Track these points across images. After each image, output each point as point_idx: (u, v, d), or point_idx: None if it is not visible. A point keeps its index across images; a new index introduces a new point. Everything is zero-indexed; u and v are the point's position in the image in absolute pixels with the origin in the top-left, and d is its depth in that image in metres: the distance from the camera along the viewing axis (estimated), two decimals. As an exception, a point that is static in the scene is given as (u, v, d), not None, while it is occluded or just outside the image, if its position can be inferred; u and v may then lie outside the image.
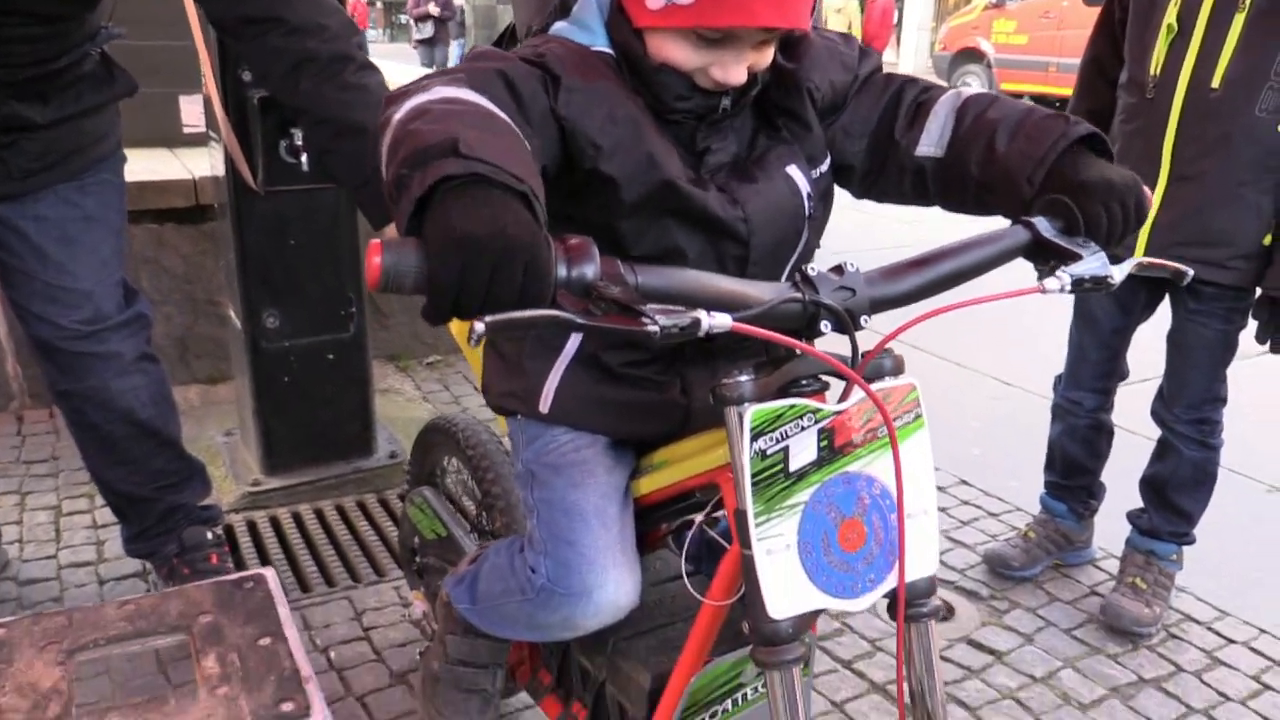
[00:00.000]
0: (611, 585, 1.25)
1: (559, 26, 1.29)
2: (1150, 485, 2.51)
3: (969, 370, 4.14)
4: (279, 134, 2.63)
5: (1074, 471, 2.63)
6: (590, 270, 0.91)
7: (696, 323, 0.92)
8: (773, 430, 1.07)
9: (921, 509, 1.14)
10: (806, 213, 1.32)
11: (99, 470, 2.26)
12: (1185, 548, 2.54)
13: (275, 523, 2.82)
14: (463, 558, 1.80)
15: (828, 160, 1.36)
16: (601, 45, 1.26)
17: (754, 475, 1.06)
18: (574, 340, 1.34)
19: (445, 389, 3.70)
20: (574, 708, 1.52)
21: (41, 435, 3.23)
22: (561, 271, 0.90)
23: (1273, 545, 2.89)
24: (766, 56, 1.22)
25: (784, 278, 1.33)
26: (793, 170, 1.31)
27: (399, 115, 0.99)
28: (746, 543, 1.07)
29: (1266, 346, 2.24)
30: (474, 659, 1.52)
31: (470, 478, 1.99)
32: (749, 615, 1.09)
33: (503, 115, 1.02)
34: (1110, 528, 2.69)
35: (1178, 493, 2.46)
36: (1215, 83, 2.12)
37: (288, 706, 1.16)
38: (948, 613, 2.48)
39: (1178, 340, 2.38)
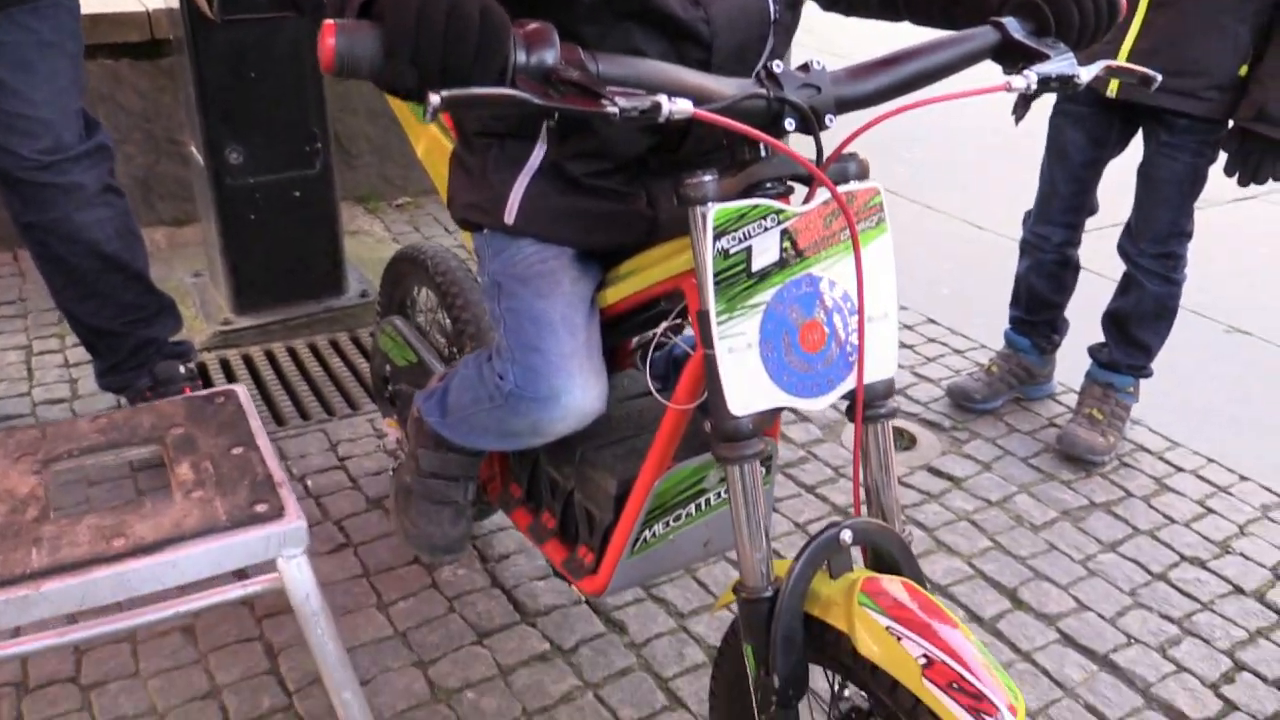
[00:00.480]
0: (578, 390, 1.28)
1: None
2: (1112, 319, 2.55)
3: (940, 213, 4.13)
4: (232, -44, 2.53)
5: (1039, 306, 2.67)
6: (550, 55, 0.89)
7: (657, 106, 0.91)
8: (736, 230, 1.07)
9: (882, 312, 1.16)
10: (772, 16, 1.29)
11: (68, 304, 2.25)
12: (1142, 381, 2.61)
13: (248, 360, 2.82)
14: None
15: None
16: None
17: (716, 274, 1.07)
18: (538, 151, 1.32)
19: (415, 230, 3.66)
20: (543, 517, 1.57)
21: (7, 278, 3.19)
22: (520, 56, 0.88)
23: (1227, 382, 2.97)
24: None
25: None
26: None
27: None
28: (709, 342, 1.08)
29: (1235, 180, 2.24)
30: (445, 472, 1.56)
31: (440, 305, 2.00)
32: (711, 412, 1.11)
33: None
34: (1071, 364, 2.74)
35: (1139, 326, 2.50)
36: None
37: (261, 508, 1.19)
38: (910, 442, 2.55)
39: (1147, 173, 2.38)
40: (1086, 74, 1.13)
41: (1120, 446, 2.58)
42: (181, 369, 2.39)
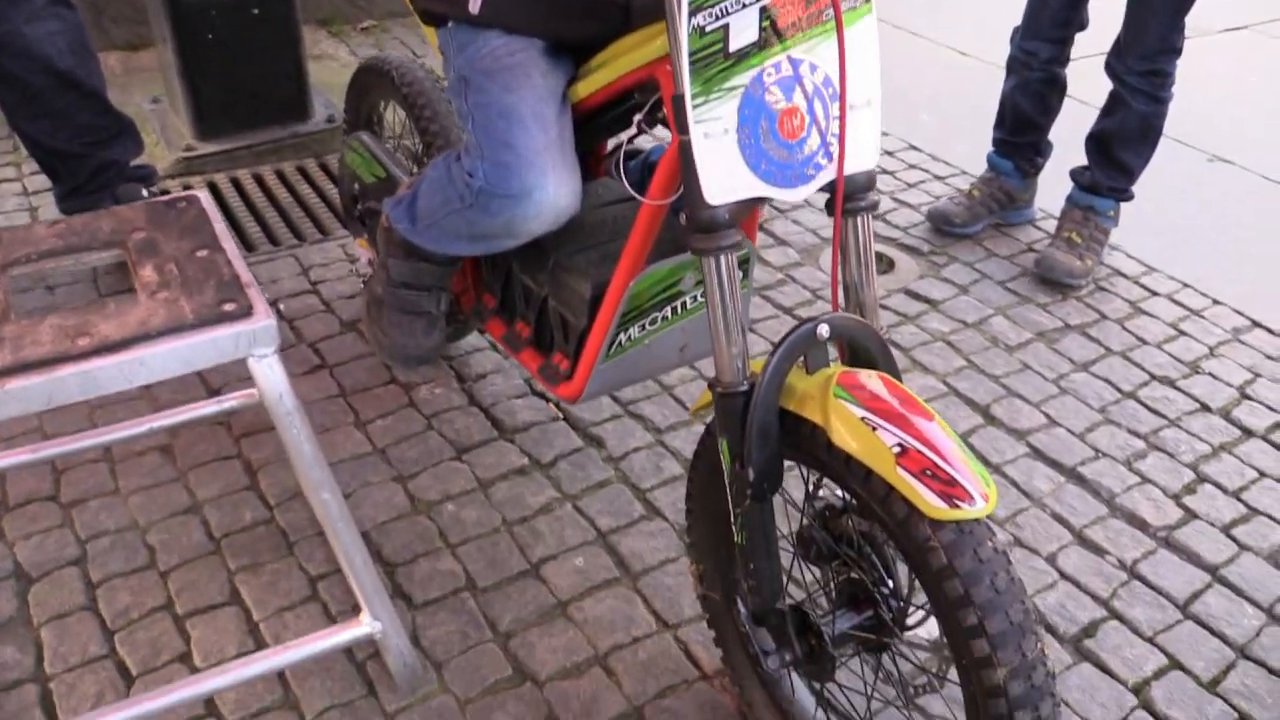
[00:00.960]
0: (550, 186, 1.24)
1: None
2: (1096, 140, 2.50)
3: (925, 40, 4.01)
4: None
5: (1023, 127, 2.61)
6: None
7: None
8: (712, 6, 1.01)
9: (865, 100, 1.12)
10: None
11: (24, 125, 2.16)
12: (1123, 207, 2.58)
13: (214, 187, 2.74)
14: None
15: None
16: None
17: (692, 55, 1.02)
18: (505, -68, 1.24)
19: (380, 53, 3.51)
20: (518, 326, 1.55)
21: (-45, 101, 3.05)
22: None
23: (1207, 209, 2.95)
24: None
25: None
26: None
27: None
28: (684, 127, 1.04)
29: None
30: (416, 281, 1.53)
31: (408, 118, 1.92)
32: (686, 203, 1.08)
33: None
34: (1052, 192, 2.70)
35: (1122, 147, 2.46)
36: None
37: (229, 306, 1.16)
38: (888, 266, 2.53)
39: None
40: None
41: (1097, 271, 2.57)
42: (145, 193, 2.32)
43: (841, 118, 1.09)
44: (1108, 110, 2.46)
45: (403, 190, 1.52)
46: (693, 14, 1.00)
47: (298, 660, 1.37)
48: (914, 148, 3.11)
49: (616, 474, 1.86)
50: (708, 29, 1.01)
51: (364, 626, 1.36)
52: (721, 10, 1.01)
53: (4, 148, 2.84)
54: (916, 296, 2.43)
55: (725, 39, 1.02)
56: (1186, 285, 2.57)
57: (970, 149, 2.99)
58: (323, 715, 1.43)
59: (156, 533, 1.70)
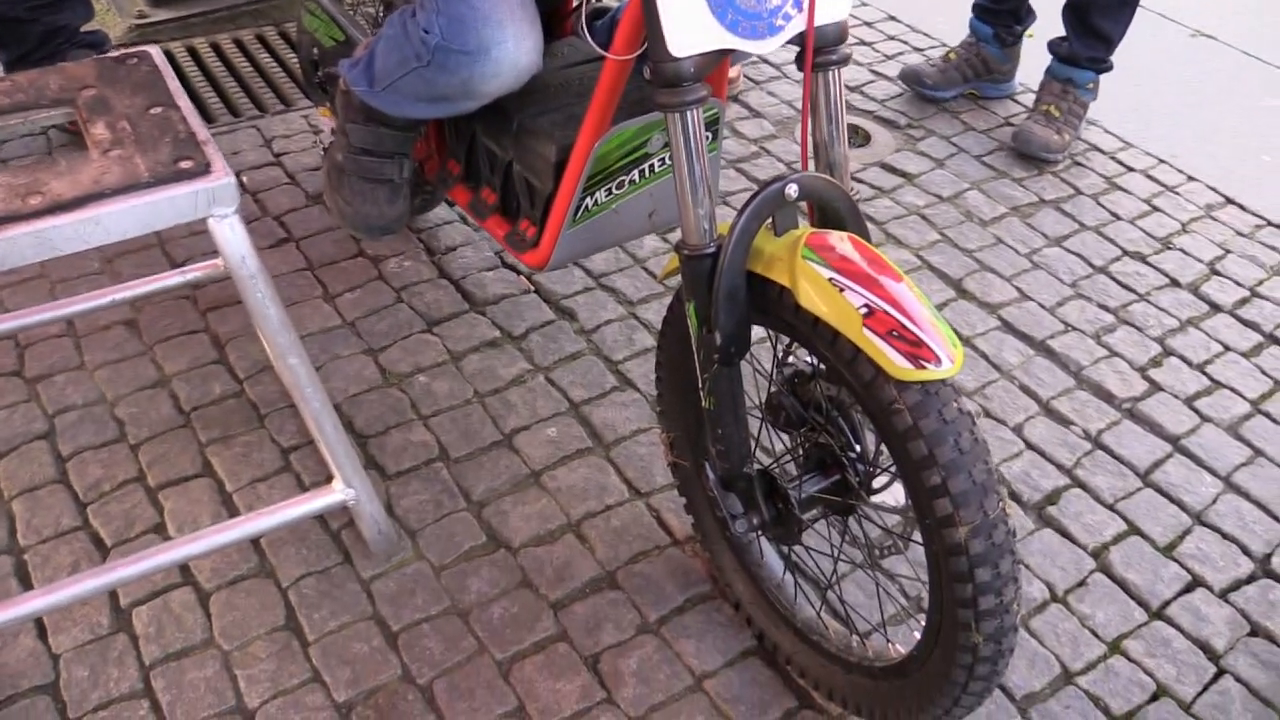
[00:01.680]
0: (510, 41, 1.19)
1: None
2: (1073, 9, 2.44)
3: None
4: None
5: (1005, -11, 2.55)
6: None
7: None
8: None
9: (842, -53, 1.08)
10: None
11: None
12: (1103, 81, 2.54)
13: (170, 56, 2.64)
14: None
15: None
16: None
17: (662, -104, 0.97)
18: None
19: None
20: (483, 193, 1.52)
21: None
22: None
23: (1186, 85, 2.91)
24: None
25: None
26: None
27: None
28: (648, -31, 1.00)
29: None
30: (378, 147, 1.49)
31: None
32: (650, 56, 1.04)
33: None
34: (1033, 66, 2.65)
35: (1100, 15, 2.40)
36: None
37: (186, 164, 1.13)
38: (864, 139, 2.49)
39: None
40: None
41: (1074, 146, 2.55)
42: (95, 58, 2.23)
43: (816, -33, 1.05)
44: None
45: (359, 51, 1.47)
46: None
47: (271, 527, 1.38)
48: (893, 18, 3.03)
49: (589, 346, 1.86)
50: None
51: (337, 494, 1.37)
52: None
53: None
54: (892, 170, 2.40)
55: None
56: (1163, 161, 2.55)
57: (950, 22, 2.91)
58: (299, 582, 1.45)
59: (125, 406, 1.69)
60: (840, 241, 1.08)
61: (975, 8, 2.62)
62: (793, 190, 1.08)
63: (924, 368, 0.99)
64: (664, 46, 1.01)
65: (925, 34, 2.95)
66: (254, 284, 1.19)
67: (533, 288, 1.97)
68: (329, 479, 1.48)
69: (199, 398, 1.71)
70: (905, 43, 2.92)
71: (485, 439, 1.68)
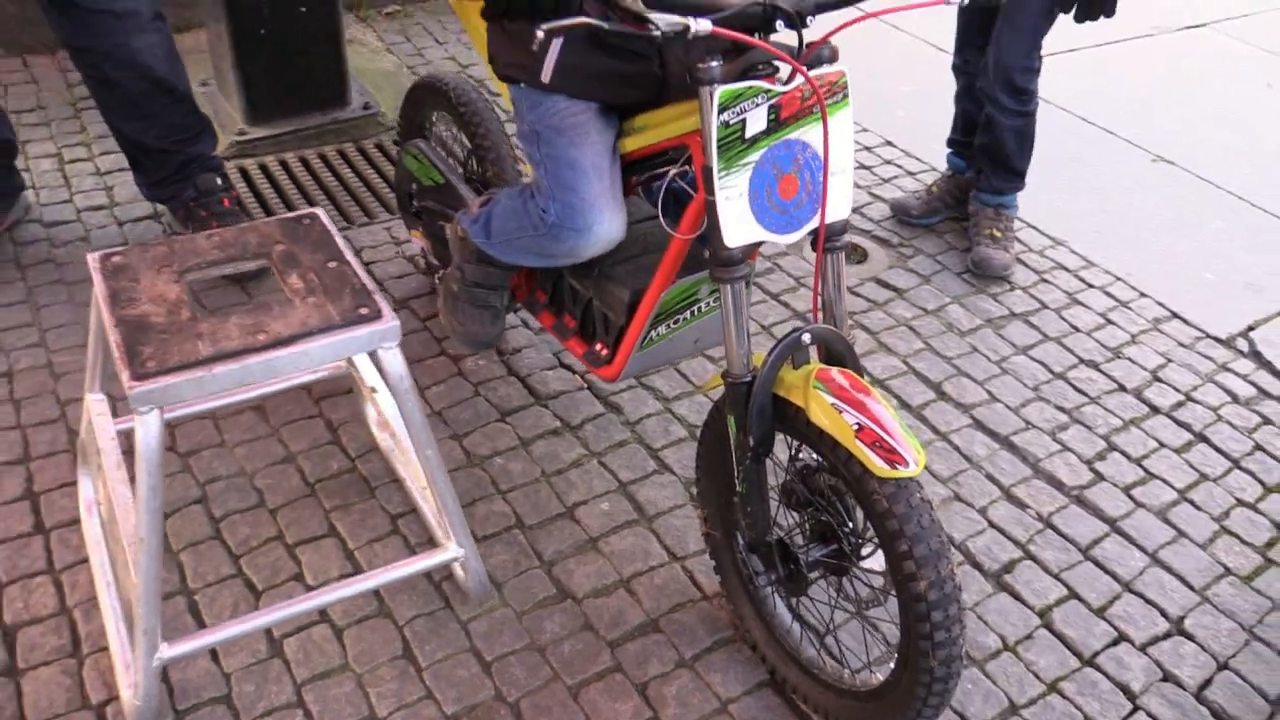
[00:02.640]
0: (606, 223, 1.66)
1: None
2: (985, 152, 2.93)
3: (904, 34, 4.42)
4: None
5: (972, 128, 3.04)
6: None
7: (687, 28, 1.26)
8: (734, 106, 1.44)
9: (842, 168, 1.55)
10: None
11: (119, 124, 2.54)
12: (1068, 207, 3.04)
13: (265, 169, 3.14)
14: (460, 201, 2.20)
15: None
16: None
17: (719, 141, 1.44)
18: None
19: (407, 40, 3.89)
20: (565, 319, 1.99)
21: (21, 85, 3.40)
22: None
23: (1147, 208, 3.40)
24: None
25: None
26: None
27: None
28: (710, 190, 1.47)
29: (1072, 15, 2.56)
30: (486, 282, 1.95)
31: (460, 130, 2.33)
32: (710, 245, 1.51)
33: None
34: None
35: (1009, 157, 2.90)
36: None
37: (364, 310, 1.58)
38: (862, 257, 2.98)
39: (1011, 9, 2.66)
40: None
41: (1042, 264, 3.04)
42: (218, 180, 2.72)
43: (824, 182, 1.53)
44: (986, 127, 2.88)
45: (475, 209, 1.94)
46: (720, 112, 1.43)
47: (396, 578, 1.81)
48: (889, 143, 3.54)
49: (633, 435, 2.32)
50: (731, 122, 1.44)
51: (450, 551, 1.81)
52: (741, 109, 1.44)
53: (71, 128, 3.22)
54: (885, 285, 2.88)
55: (743, 128, 1.45)
56: (1119, 279, 3.03)
57: (942, 147, 3.42)
58: (412, 621, 1.88)
59: (261, 478, 2.13)
60: (840, 376, 1.54)
61: (950, 143, 3.13)
62: (806, 338, 1.55)
63: (897, 469, 1.43)
64: (721, 240, 1.48)
65: (918, 159, 3.46)
66: (407, 396, 1.64)
67: (586, 385, 2.43)
68: (431, 541, 1.93)
69: (320, 472, 2.16)
70: (899, 166, 3.42)
71: (552, 511, 2.12)
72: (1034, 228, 3.20)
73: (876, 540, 1.55)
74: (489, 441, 2.26)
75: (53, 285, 2.61)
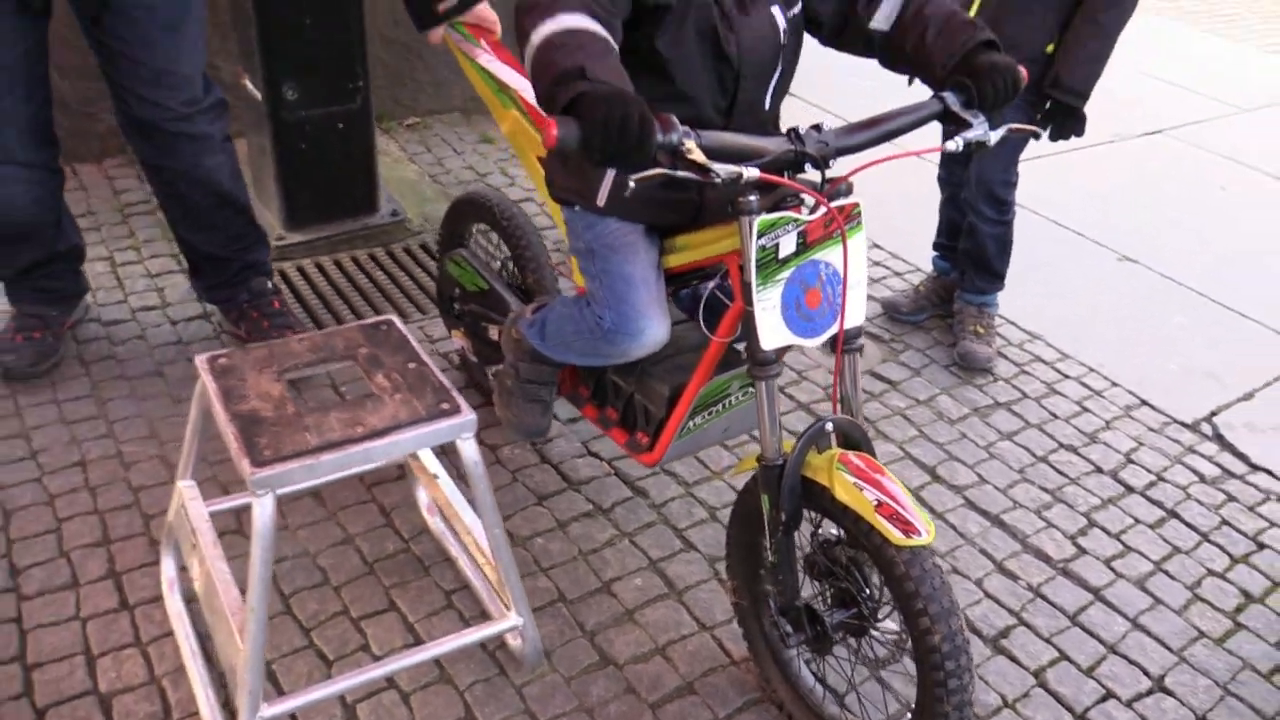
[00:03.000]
0: (655, 329, 1.94)
1: None
2: (968, 256, 3.27)
3: (894, 144, 4.79)
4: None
5: (956, 234, 3.37)
6: (675, 136, 1.52)
7: (740, 175, 1.56)
8: (770, 232, 1.73)
9: (857, 282, 1.84)
10: (781, 42, 1.91)
11: (186, 234, 2.81)
12: (1043, 303, 3.36)
13: (302, 271, 3.41)
14: (504, 305, 2.48)
15: (799, 5, 1.93)
16: None
17: (757, 261, 1.73)
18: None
19: (427, 150, 4.22)
20: (608, 411, 2.25)
21: (71, 192, 3.66)
22: (660, 137, 1.51)
23: (1114, 304, 3.74)
24: None
25: (767, 95, 1.94)
26: (775, 10, 1.89)
27: (538, 41, 1.53)
28: (749, 302, 1.75)
29: (1046, 135, 2.91)
30: (538, 378, 2.22)
31: (502, 241, 2.62)
32: (748, 348, 1.79)
33: (603, 33, 1.58)
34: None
35: (990, 260, 3.23)
36: None
37: (445, 406, 1.83)
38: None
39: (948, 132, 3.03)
40: (994, 137, 1.80)
41: (1021, 356, 3.35)
42: (269, 284, 2.99)
43: (843, 294, 1.81)
44: (969, 234, 3.22)
45: (529, 314, 2.22)
46: (758, 237, 1.72)
47: (457, 647, 2.04)
48: (879, 246, 3.87)
49: (659, 517, 2.56)
50: (767, 246, 1.73)
51: (511, 620, 2.04)
52: (775, 235, 1.73)
53: (121, 232, 3.49)
54: (880, 378, 3.17)
55: (776, 251, 1.74)
56: (1092, 370, 3.35)
57: (927, 248, 3.76)
58: (471, 686, 2.10)
59: (324, 558, 2.36)
60: (857, 459, 1.80)
61: (935, 246, 3.47)
62: (829, 427, 1.82)
63: (912, 538, 1.69)
64: (759, 344, 1.76)
65: (905, 260, 3.80)
66: (481, 479, 1.89)
67: (613, 471, 2.69)
68: (484, 615, 2.16)
69: (378, 552, 2.39)
70: (888, 268, 3.75)
71: (590, 586, 2.36)
72: (1013, 323, 3.52)
73: (893, 603, 1.80)
74: (529, 524, 2.50)
75: (115, 380, 2.85)
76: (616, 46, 1.61)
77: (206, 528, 2.03)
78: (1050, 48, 2.85)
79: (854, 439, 1.87)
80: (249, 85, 3.37)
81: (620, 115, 1.44)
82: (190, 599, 2.21)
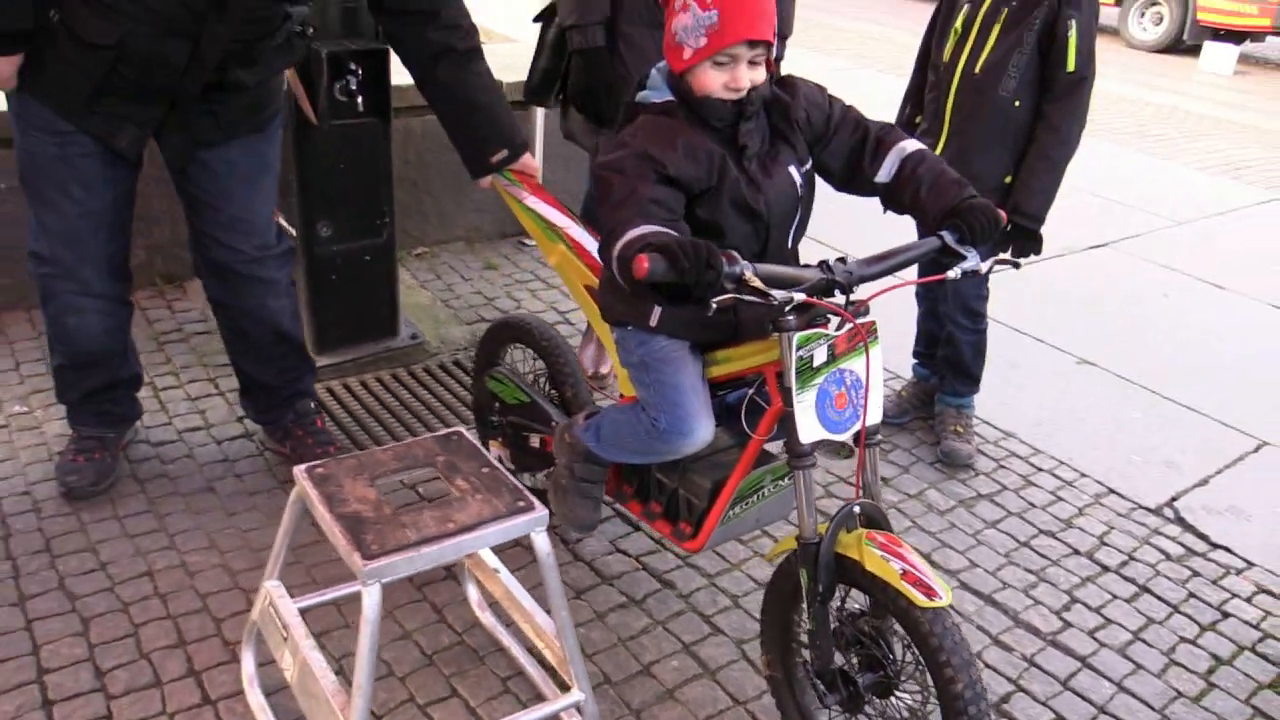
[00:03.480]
0: (704, 430, 2.28)
1: (642, 95, 2.24)
2: (947, 363, 3.67)
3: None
4: (335, 79, 3.42)
5: (933, 343, 3.78)
6: (738, 269, 1.89)
7: (791, 298, 1.93)
8: (805, 347, 2.09)
9: (875, 385, 2.20)
10: (799, 194, 2.31)
11: (245, 367, 3.12)
12: (1015, 404, 3.76)
13: (331, 392, 3.71)
14: (545, 416, 2.80)
15: (810, 161, 2.34)
16: (667, 96, 2.21)
17: (796, 370, 2.09)
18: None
19: (437, 277, 4.58)
20: (652, 505, 2.57)
21: (106, 321, 3.97)
22: (727, 268, 1.88)
23: (1077, 404, 4.15)
24: (761, 72, 2.17)
25: (789, 237, 2.33)
26: (791, 168, 2.30)
27: (619, 249, 1.94)
28: (789, 404, 2.09)
29: (1009, 254, 3.35)
30: (590, 477, 2.54)
31: (542, 360, 2.95)
32: (788, 443, 2.13)
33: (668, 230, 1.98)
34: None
35: (967, 365, 3.64)
36: (978, 69, 3.22)
37: (520, 504, 2.13)
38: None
39: (943, 264, 3.48)
40: (985, 266, 2.20)
41: (997, 452, 3.73)
42: (311, 405, 3.29)
43: (865, 398, 2.17)
44: (947, 342, 3.63)
45: (583, 420, 2.55)
46: (796, 350, 2.08)
47: (525, 724, 2.30)
48: (858, 355, 4.27)
49: (688, 605, 2.85)
50: (804, 357, 2.09)
51: (574, 696, 2.31)
52: (810, 348, 2.08)
53: (158, 359, 3.77)
54: (874, 474, 3.52)
55: (811, 360, 2.10)
56: (1062, 463, 3.73)
57: (908, 357, 4.16)
58: (536, 760, 2.35)
59: (386, 652, 2.61)
60: (881, 536, 2.13)
61: (915, 354, 3.87)
62: (856, 510, 2.15)
63: (934, 600, 2.01)
64: (798, 439, 2.10)
65: (893, 371, 4.18)
66: (551, 570, 2.19)
67: (641, 566, 2.98)
68: (539, 697, 2.42)
69: (435, 645, 2.64)
70: (869, 375, 4.14)
71: (632, 669, 2.63)
72: (988, 423, 3.91)
73: (919, 658, 2.11)
74: (572, 615, 2.77)
75: (170, 496, 3.10)
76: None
77: (297, 621, 2.29)
78: (1008, 179, 3.30)
79: (876, 520, 2.20)
80: (284, 223, 3.72)
81: (696, 252, 1.82)
82: (269, 692, 2.44)
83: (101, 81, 2.47)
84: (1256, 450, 3.97)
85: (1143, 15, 13.98)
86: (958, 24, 3.23)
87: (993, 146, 3.26)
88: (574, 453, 2.56)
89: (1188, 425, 4.09)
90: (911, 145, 2.31)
